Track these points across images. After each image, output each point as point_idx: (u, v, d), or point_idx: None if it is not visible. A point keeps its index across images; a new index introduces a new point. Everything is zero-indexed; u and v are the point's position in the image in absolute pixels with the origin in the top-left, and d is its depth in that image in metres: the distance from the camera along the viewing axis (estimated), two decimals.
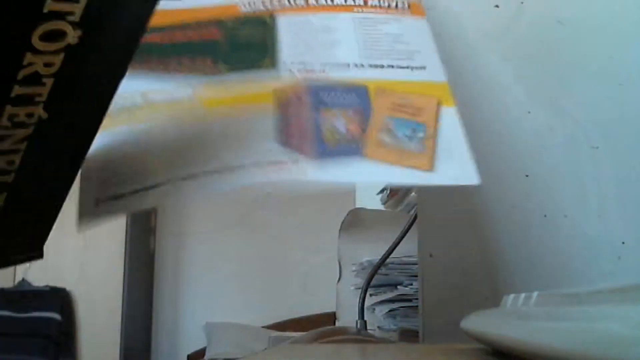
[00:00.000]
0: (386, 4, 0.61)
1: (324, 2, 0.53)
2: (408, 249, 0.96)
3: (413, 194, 1.49)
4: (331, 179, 0.39)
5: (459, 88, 0.74)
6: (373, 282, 0.98)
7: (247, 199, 4.25)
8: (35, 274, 3.67)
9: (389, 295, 1.01)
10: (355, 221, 1.26)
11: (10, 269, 3.69)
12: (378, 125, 0.46)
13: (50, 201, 0.40)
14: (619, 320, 0.22)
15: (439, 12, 0.76)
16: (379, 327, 1.03)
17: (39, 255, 0.40)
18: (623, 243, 0.70)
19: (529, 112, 0.74)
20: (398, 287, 1.02)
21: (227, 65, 0.44)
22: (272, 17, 0.47)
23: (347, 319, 1.19)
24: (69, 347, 3.56)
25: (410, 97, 0.48)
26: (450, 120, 0.49)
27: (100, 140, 0.36)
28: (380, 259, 0.96)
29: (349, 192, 1.96)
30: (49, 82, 0.31)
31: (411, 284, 1.00)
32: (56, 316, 3.53)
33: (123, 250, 3.77)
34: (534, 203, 0.72)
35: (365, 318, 0.96)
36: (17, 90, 0.31)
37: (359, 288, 1.02)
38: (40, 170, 0.38)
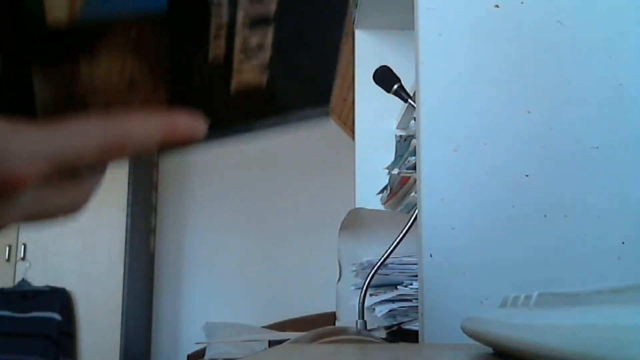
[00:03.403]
0: None
1: None
2: (408, 249, 0.96)
3: (413, 194, 1.49)
4: None
5: (459, 88, 0.74)
6: (373, 282, 0.98)
7: (248, 198, 4.25)
8: (35, 274, 3.68)
9: (389, 295, 1.01)
10: (355, 221, 1.26)
11: (10, 269, 3.69)
12: None
13: (332, 50, 0.37)
14: (619, 320, 0.22)
15: (440, 12, 0.76)
16: (379, 327, 1.03)
17: (327, 110, 0.37)
18: (623, 243, 0.70)
19: (529, 112, 0.74)
20: (398, 287, 1.02)
21: None
22: None
23: (347, 319, 1.19)
24: (69, 347, 3.56)
25: None
26: None
27: None
28: (380, 259, 0.96)
29: (349, 192, 1.97)
30: None
31: (411, 284, 1.00)
32: (56, 316, 3.54)
33: (123, 250, 3.77)
34: (534, 203, 0.72)
35: (365, 318, 0.96)
36: None
37: (359, 288, 1.02)
38: None
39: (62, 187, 0.32)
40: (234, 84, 0.34)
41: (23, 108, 0.30)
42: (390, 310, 0.99)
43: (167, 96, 0.33)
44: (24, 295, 3.58)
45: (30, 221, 0.32)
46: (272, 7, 0.33)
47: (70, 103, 0.30)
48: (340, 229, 1.26)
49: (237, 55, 0.33)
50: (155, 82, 0.32)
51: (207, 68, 0.33)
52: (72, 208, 0.33)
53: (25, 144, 0.28)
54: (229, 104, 0.34)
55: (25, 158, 0.28)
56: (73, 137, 0.29)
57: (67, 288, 3.67)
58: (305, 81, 0.36)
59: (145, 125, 0.31)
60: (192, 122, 0.33)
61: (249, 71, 0.34)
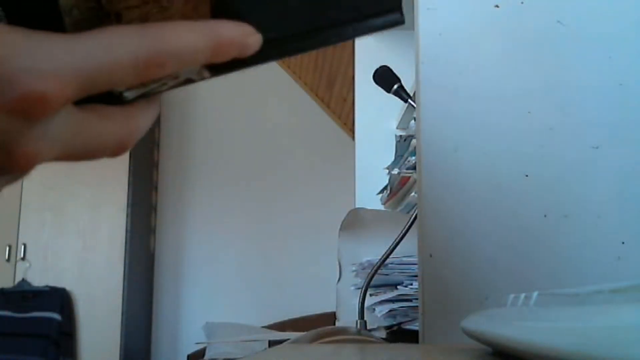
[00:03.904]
0: None
1: None
2: (408, 249, 0.96)
3: (413, 194, 1.49)
4: None
5: (459, 88, 0.74)
6: (373, 282, 0.98)
7: (248, 198, 4.25)
8: (35, 274, 3.68)
9: (389, 295, 1.01)
10: (355, 221, 1.26)
11: (10, 269, 3.69)
12: None
13: None
14: (619, 320, 0.22)
15: (440, 12, 0.76)
16: (379, 327, 1.03)
17: (399, 19, 0.31)
18: (623, 243, 0.70)
19: (529, 112, 0.74)
20: (398, 287, 1.02)
21: None
22: None
23: (347, 319, 1.19)
24: (69, 347, 3.56)
25: None
26: None
27: None
28: (380, 259, 0.96)
29: (349, 192, 1.97)
30: None
31: (411, 284, 1.00)
32: (56, 316, 3.54)
33: (123, 250, 3.77)
34: (534, 203, 0.72)
35: (365, 318, 0.96)
36: None
37: (359, 288, 1.02)
38: None
39: (106, 116, 0.28)
40: None
41: (49, 22, 0.26)
42: (390, 310, 0.99)
43: (212, 3, 0.28)
44: (24, 295, 3.58)
45: (70, 156, 0.27)
46: None
47: (102, 16, 0.27)
48: (340, 229, 1.26)
49: None
50: None
51: None
52: (119, 142, 0.28)
53: (48, 56, 0.24)
54: (285, 10, 0.29)
55: (49, 72, 0.24)
56: (104, 48, 0.25)
57: (67, 288, 3.67)
58: None
59: (188, 36, 0.27)
60: (243, 33, 0.28)
61: None
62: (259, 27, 0.29)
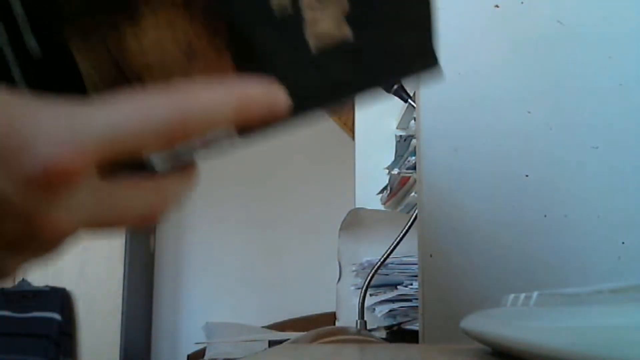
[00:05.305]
0: None
1: None
2: (408, 249, 0.96)
3: (413, 194, 1.49)
4: None
5: (459, 88, 0.74)
6: (373, 282, 0.98)
7: (248, 198, 4.25)
8: (35, 274, 3.67)
9: (389, 295, 1.01)
10: (355, 221, 1.26)
11: None
12: None
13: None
14: (619, 320, 0.22)
15: (439, 13, 0.76)
16: (379, 327, 1.03)
17: (437, 71, 0.29)
18: (623, 243, 0.70)
19: (529, 112, 0.74)
20: (398, 287, 1.02)
21: None
22: None
23: (347, 319, 1.19)
24: (69, 347, 3.56)
25: None
26: None
27: None
28: (380, 259, 0.96)
29: (349, 192, 1.97)
30: None
31: (411, 284, 1.01)
32: (56, 316, 3.53)
33: (123, 250, 3.77)
34: (534, 203, 0.72)
35: (365, 318, 0.96)
36: None
37: (359, 288, 1.02)
38: None
39: (134, 186, 0.26)
40: (312, 39, 0.27)
41: (70, 85, 0.26)
42: (390, 310, 0.99)
43: (235, 62, 0.27)
44: (24, 295, 3.58)
45: (96, 226, 0.26)
46: None
47: (123, 80, 0.26)
48: (340, 229, 1.26)
49: (306, 1, 0.27)
50: (217, 47, 0.26)
51: (274, 21, 0.27)
52: (147, 213, 0.26)
53: (66, 124, 0.23)
54: (313, 66, 0.27)
55: (68, 142, 0.22)
56: (127, 113, 0.24)
57: (67, 288, 3.67)
58: (396, 33, 0.29)
59: (213, 96, 0.25)
60: (270, 91, 0.26)
61: (326, 20, 0.27)
62: (286, 80, 0.27)
